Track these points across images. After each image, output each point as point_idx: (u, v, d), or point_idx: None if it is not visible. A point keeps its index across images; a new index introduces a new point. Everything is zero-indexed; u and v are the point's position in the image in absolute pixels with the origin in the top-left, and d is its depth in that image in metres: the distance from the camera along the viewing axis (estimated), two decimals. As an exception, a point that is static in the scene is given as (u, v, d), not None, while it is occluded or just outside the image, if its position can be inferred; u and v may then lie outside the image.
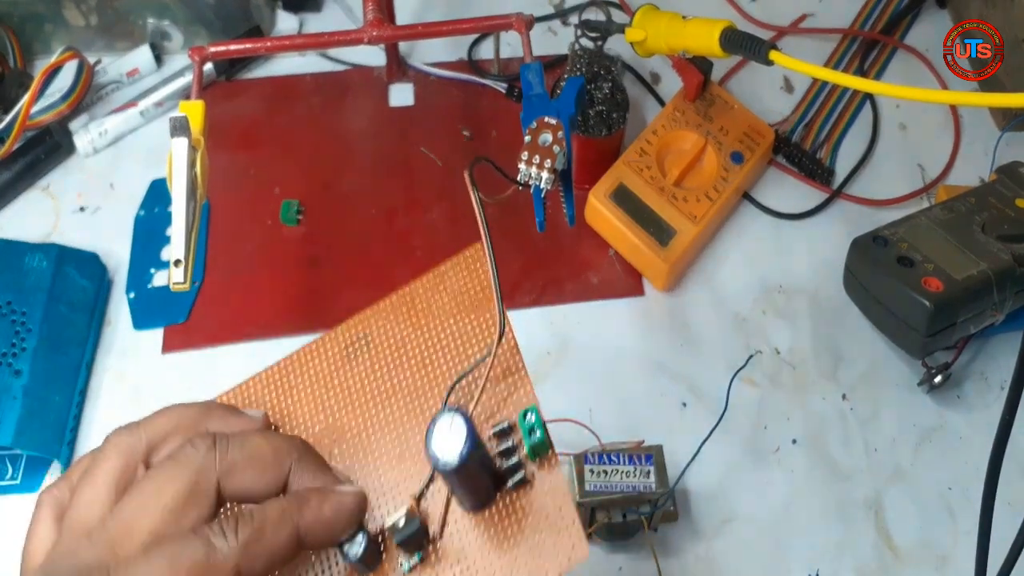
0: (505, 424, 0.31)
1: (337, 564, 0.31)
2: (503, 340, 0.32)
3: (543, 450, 0.30)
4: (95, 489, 0.28)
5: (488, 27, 0.61)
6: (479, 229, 0.33)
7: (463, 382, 0.33)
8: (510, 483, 0.30)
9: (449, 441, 0.28)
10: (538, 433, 0.30)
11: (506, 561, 0.29)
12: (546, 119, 0.47)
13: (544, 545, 0.29)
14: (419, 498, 0.31)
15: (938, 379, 0.57)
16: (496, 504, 0.30)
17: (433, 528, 0.30)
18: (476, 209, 0.33)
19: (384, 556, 0.30)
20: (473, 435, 0.28)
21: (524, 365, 0.32)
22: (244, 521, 0.27)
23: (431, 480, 0.31)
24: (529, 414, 0.31)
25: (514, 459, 0.31)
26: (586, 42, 0.61)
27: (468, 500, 0.30)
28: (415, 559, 0.30)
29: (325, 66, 0.70)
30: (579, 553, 0.29)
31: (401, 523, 0.29)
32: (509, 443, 0.31)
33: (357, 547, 0.29)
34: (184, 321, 0.59)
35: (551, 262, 0.62)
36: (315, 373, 0.35)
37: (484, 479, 0.30)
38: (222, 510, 0.28)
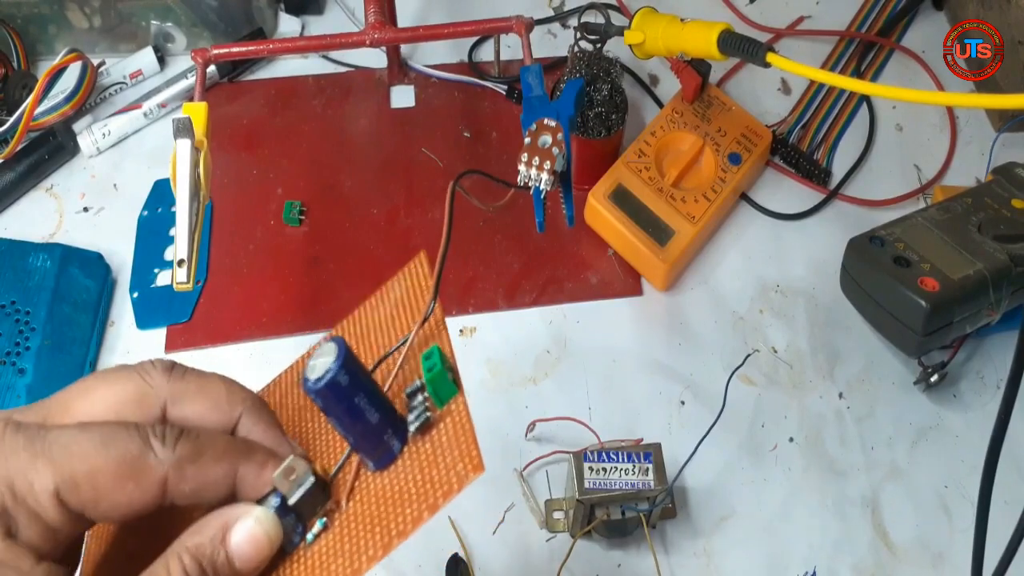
0: (416, 383, 0.29)
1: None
2: (427, 323, 0.31)
3: (445, 388, 0.28)
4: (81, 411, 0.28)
5: (488, 30, 0.61)
6: (447, 230, 0.33)
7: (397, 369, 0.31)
8: (411, 427, 0.28)
9: (320, 363, 0.26)
10: (437, 367, 0.28)
11: (399, 499, 0.27)
12: (546, 121, 0.47)
13: (436, 473, 0.27)
14: (332, 477, 0.29)
15: (934, 378, 0.57)
16: (401, 457, 0.28)
17: (341, 495, 0.29)
18: (446, 215, 0.33)
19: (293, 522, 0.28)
20: (346, 356, 0.26)
21: (448, 337, 0.30)
22: (187, 437, 0.26)
23: (347, 458, 0.30)
24: (432, 356, 0.28)
25: (418, 400, 0.29)
26: (585, 44, 0.61)
27: (364, 446, 0.28)
28: (318, 526, 0.28)
29: (327, 68, 0.71)
30: (470, 470, 0.26)
31: (294, 477, 0.28)
32: (416, 400, 0.29)
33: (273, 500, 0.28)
34: (187, 321, 0.60)
35: (551, 262, 0.62)
36: (280, 405, 0.35)
37: (372, 416, 0.27)
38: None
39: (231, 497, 0.28)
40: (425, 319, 0.31)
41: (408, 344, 0.31)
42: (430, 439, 0.28)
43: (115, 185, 0.65)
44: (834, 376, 0.59)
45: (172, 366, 0.29)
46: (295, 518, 0.29)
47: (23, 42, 0.67)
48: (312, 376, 0.26)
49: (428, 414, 0.28)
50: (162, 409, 0.28)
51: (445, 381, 0.28)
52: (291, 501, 0.28)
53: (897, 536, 0.54)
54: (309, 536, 0.28)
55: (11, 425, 0.25)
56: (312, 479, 0.28)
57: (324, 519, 0.28)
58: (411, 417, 0.29)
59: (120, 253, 0.62)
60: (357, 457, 0.29)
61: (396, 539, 0.26)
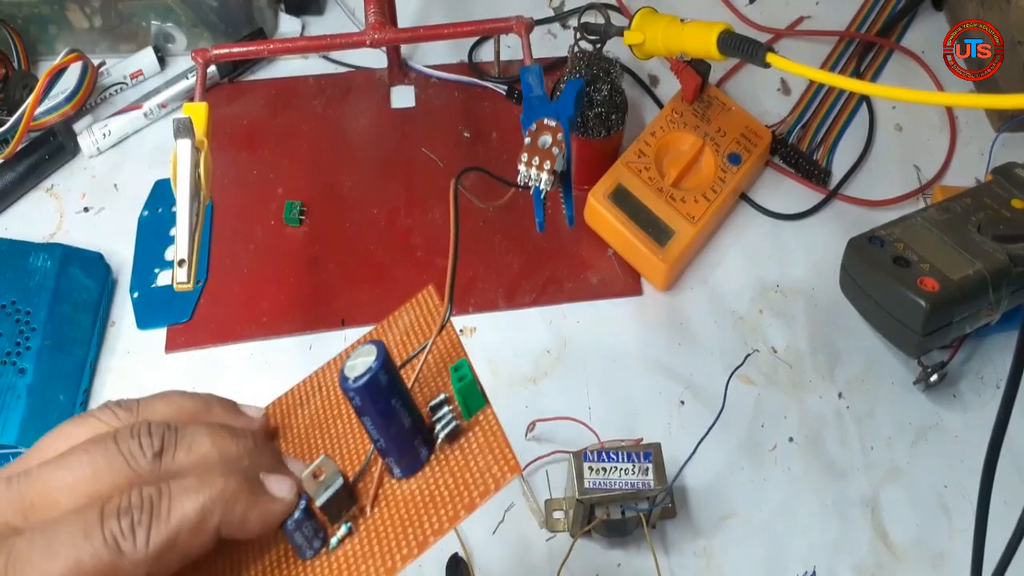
0: (441, 396, 0.29)
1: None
2: (443, 332, 0.31)
3: (475, 400, 0.28)
4: (55, 449, 0.27)
5: (489, 30, 0.61)
6: (454, 230, 0.33)
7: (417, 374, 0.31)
8: (440, 435, 0.28)
9: (360, 362, 0.26)
10: (468, 377, 0.28)
11: (431, 502, 0.27)
12: (546, 121, 0.47)
13: (469, 476, 0.27)
14: (355, 481, 0.29)
15: (934, 378, 0.57)
16: (428, 464, 0.28)
17: (365, 501, 0.29)
18: (452, 216, 0.33)
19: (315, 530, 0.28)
20: (385, 357, 0.26)
21: (466, 353, 0.30)
22: (157, 522, 0.25)
23: (368, 465, 0.30)
24: (461, 368, 0.28)
25: (445, 411, 0.29)
26: (585, 45, 0.61)
27: (394, 451, 0.28)
28: (343, 530, 0.28)
29: (327, 68, 0.71)
30: (508, 471, 0.26)
31: (322, 478, 0.27)
32: (443, 411, 0.29)
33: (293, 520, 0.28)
34: (187, 321, 0.60)
35: (551, 262, 0.62)
36: (287, 425, 0.35)
37: (405, 420, 0.28)
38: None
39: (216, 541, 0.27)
40: (443, 326, 0.31)
41: (427, 351, 0.31)
42: (459, 447, 0.28)
43: (115, 185, 0.65)
44: (834, 376, 0.59)
45: (162, 446, 0.27)
46: (314, 526, 0.28)
47: (23, 42, 0.67)
48: (352, 375, 0.26)
49: (456, 423, 0.29)
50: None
51: (475, 392, 0.28)
52: (319, 503, 0.28)
53: (897, 536, 0.54)
54: (333, 541, 0.28)
55: None
56: (341, 480, 0.28)
57: (349, 524, 0.28)
58: (439, 426, 0.29)
59: (120, 253, 0.62)
60: (379, 465, 0.29)
61: (432, 537, 0.26)
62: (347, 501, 0.29)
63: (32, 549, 0.24)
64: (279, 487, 0.28)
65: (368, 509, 0.29)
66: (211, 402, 0.31)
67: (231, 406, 0.32)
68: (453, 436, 0.29)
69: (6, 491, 0.25)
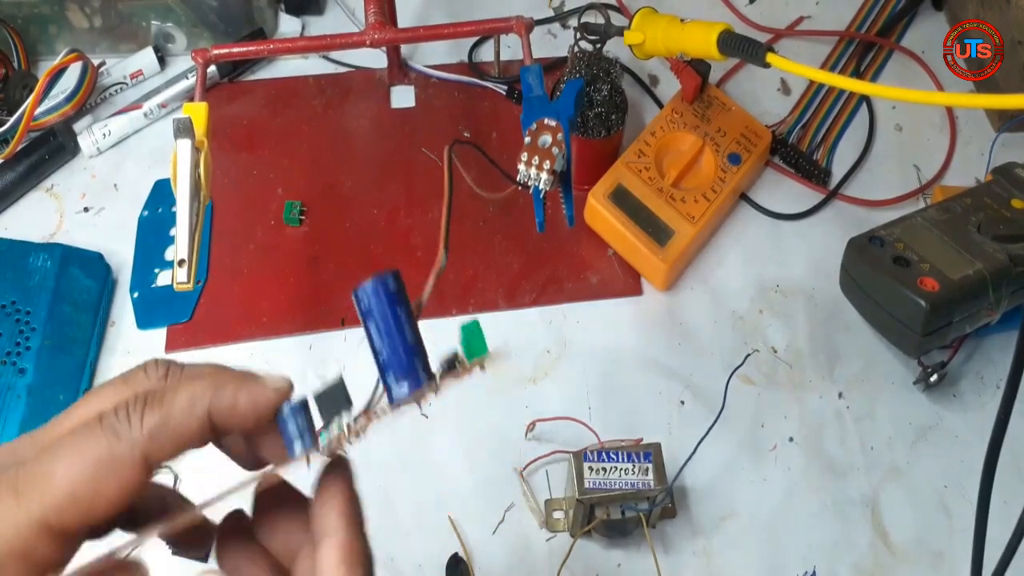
0: (451, 352, 0.30)
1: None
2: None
3: (478, 342, 0.29)
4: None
5: (489, 30, 0.61)
6: (450, 198, 0.34)
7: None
8: (440, 367, 0.29)
9: (373, 278, 0.28)
10: (474, 324, 0.29)
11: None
12: (546, 121, 0.47)
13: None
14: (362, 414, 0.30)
15: (934, 378, 0.57)
16: (426, 391, 0.29)
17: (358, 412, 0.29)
18: (445, 169, 0.34)
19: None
20: (397, 273, 0.28)
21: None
22: (151, 407, 0.26)
23: (374, 393, 0.30)
24: (472, 324, 0.30)
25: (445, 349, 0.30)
26: (585, 45, 0.61)
27: (394, 363, 0.29)
28: (335, 430, 0.28)
29: (327, 68, 0.71)
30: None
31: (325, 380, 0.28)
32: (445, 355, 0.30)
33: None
34: (187, 321, 0.60)
35: (551, 262, 0.62)
36: None
37: (408, 334, 0.28)
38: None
39: (215, 435, 0.28)
40: (439, 273, 0.32)
41: (428, 291, 0.31)
42: (455, 376, 0.29)
43: (115, 185, 0.65)
44: (834, 376, 0.59)
45: (167, 371, 0.29)
46: (308, 420, 0.29)
47: (23, 42, 0.67)
48: (365, 284, 0.28)
49: (456, 353, 0.29)
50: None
51: (479, 335, 0.29)
52: (316, 393, 0.28)
53: (897, 536, 0.54)
54: (323, 436, 0.28)
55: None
56: (341, 380, 0.28)
57: (342, 427, 0.29)
58: (438, 362, 0.29)
59: (120, 253, 0.62)
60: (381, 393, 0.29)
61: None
62: (344, 401, 0.29)
63: (40, 457, 0.25)
64: (271, 378, 0.29)
65: (362, 417, 0.29)
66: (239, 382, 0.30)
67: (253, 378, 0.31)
68: (452, 367, 0.29)
69: (28, 439, 0.27)
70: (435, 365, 0.29)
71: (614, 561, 0.53)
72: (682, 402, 0.58)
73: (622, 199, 0.60)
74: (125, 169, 0.66)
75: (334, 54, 0.71)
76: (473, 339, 0.29)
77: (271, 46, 0.61)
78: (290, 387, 0.28)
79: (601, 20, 0.61)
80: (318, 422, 0.29)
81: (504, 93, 0.69)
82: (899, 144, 0.68)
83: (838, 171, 0.67)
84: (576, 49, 0.61)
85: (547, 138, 0.47)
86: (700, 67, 0.62)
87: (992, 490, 0.40)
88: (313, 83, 0.70)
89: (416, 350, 0.29)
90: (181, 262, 0.48)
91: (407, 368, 0.29)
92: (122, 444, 0.25)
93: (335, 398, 0.29)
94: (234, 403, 0.27)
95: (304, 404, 0.28)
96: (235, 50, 0.59)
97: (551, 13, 0.74)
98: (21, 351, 0.54)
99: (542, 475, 0.55)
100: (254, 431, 0.29)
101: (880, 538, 0.54)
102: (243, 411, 0.27)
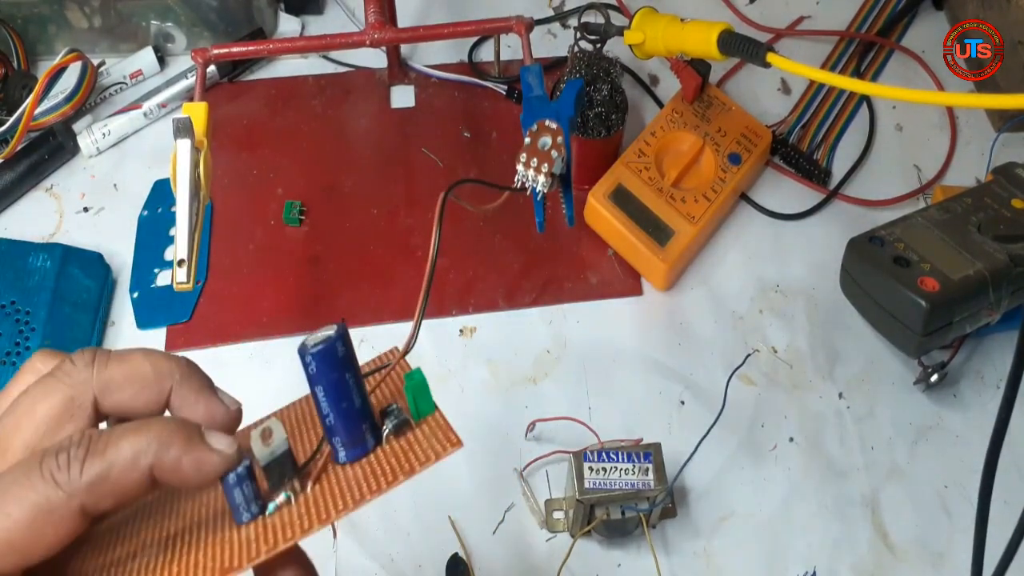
0: (393, 405, 0.30)
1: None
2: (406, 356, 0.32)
3: (425, 401, 0.29)
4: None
5: (489, 30, 0.61)
6: (444, 241, 0.33)
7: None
8: (387, 428, 0.29)
9: (321, 335, 0.27)
10: (418, 376, 0.28)
11: (372, 477, 0.27)
12: (547, 123, 0.47)
13: (412, 455, 0.27)
14: (304, 466, 0.29)
15: (934, 378, 0.57)
16: (374, 453, 0.29)
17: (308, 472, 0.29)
18: (434, 233, 0.33)
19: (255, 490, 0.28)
20: (345, 334, 0.27)
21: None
22: (92, 456, 0.26)
23: (319, 448, 0.30)
24: (415, 375, 0.29)
25: (394, 407, 0.29)
26: (585, 44, 0.61)
27: (342, 429, 0.28)
28: (282, 498, 0.28)
29: (327, 68, 0.71)
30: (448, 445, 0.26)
31: (270, 442, 0.27)
32: (392, 407, 0.30)
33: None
34: (187, 321, 0.60)
35: (551, 262, 0.62)
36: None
37: (356, 399, 0.28)
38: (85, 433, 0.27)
39: (155, 489, 0.27)
40: (407, 351, 0.32)
41: (391, 368, 0.31)
42: (405, 440, 0.29)
43: (115, 185, 0.65)
44: (834, 376, 0.59)
45: (94, 356, 0.28)
46: (254, 489, 0.28)
47: (23, 42, 0.67)
48: (311, 343, 0.27)
49: (405, 417, 0.29)
50: (93, 406, 0.28)
51: (426, 392, 0.29)
52: (263, 463, 0.28)
53: (897, 536, 0.54)
54: (271, 507, 0.28)
55: None
56: (287, 446, 0.28)
57: (289, 494, 0.28)
58: (387, 420, 0.29)
59: (120, 253, 0.62)
60: (327, 452, 0.29)
61: (368, 495, 0.26)
62: (290, 470, 0.29)
63: None
64: (218, 440, 0.28)
65: (309, 485, 0.29)
66: (189, 373, 0.31)
67: (206, 385, 0.31)
68: (400, 430, 0.29)
69: None
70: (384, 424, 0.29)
71: (614, 561, 0.53)
72: (682, 402, 0.58)
73: (622, 199, 0.60)
74: (125, 169, 0.66)
75: (334, 54, 0.71)
76: (419, 397, 0.29)
77: (271, 46, 0.61)
78: (238, 454, 0.28)
79: (601, 20, 0.61)
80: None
81: (504, 93, 0.69)
82: (899, 144, 0.68)
83: (838, 171, 0.67)
84: (576, 49, 0.61)
85: (547, 140, 0.47)
86: (700, 67, 0.62)
87: (992, 490, 0.40)
88: (313, 83, 0.70)
89: (363, 414, 0.29)
90: (181, 262, 0.48)
91: (354, 434, 0.28)
92: (60, 493, 0.25)
93: (281, 464, 0.28)
94: (178, 465, 0.27)
95: (249, 471, 0.28)
96: (235, 50, 0.59)
97: (551, 13, 0.74)
98: (21, 351, 0.54)
99: (542, 475, 0.55)
100: (197, 490, 0.28)
101: (880, 538, 0.54)
102: (186, 474, 0.27)
